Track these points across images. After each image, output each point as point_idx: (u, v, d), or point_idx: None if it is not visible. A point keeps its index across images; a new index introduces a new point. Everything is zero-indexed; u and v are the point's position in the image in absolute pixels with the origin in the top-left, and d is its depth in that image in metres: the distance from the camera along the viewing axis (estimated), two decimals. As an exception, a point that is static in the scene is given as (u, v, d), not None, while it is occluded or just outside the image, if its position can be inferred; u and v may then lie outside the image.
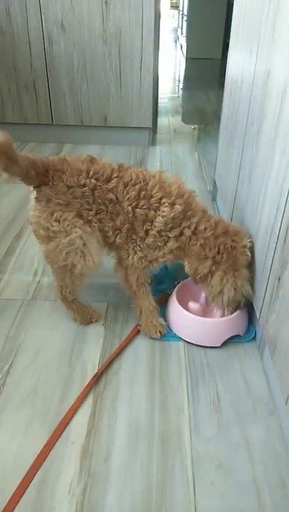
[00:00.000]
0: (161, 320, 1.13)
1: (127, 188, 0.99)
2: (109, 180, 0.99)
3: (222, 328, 1.08)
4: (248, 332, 1.13)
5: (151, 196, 1.00)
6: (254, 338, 1.12)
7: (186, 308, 1.12)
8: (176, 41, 7.04)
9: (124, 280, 1.11)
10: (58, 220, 0.98)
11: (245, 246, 1.04)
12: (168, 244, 1.03)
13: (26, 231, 1.57)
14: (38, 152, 2.18)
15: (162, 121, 2.99)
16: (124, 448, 0.86)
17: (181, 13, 6.72)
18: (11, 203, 1.78)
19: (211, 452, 0.85)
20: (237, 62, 1.39)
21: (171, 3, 11.40)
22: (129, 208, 1.00)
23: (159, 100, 3.33)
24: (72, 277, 1.06)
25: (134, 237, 1.03)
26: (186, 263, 1.06)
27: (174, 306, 1.13)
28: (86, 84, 2.27)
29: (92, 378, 0.99)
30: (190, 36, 5.52)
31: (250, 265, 1.07)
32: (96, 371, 1.01)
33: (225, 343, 1.09)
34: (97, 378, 1.00)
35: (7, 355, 1.06)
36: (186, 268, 1.06)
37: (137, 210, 1.00)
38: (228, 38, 1.54)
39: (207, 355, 1.08)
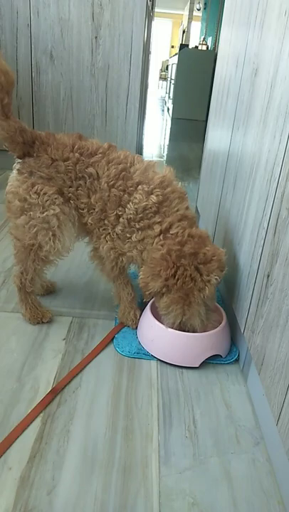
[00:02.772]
0: (138, 313, 1.05)
1: (109, 164, 0.91)
2: (93, 155, 0.92)
3: (201, 345, 0.94)
4: (230, 353, 0.98)
5: (130, 178, 0.91)
6: (236, 360, 0.98)
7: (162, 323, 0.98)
8: (163, 109, 7.35)
9: (101, 270, 1.03)
10: (37, 193, 0.91)
11: (208, 281, 0.87)
12: (133, 236, 0.92)
13: (-9, 245, 1.44)
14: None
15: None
16: (74, 479, 0.68)
17: (169, 79, 7.15)
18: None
19: (183, 487, 0.68)
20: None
21: (160, 75, 12.24)
22: (106, 185, 0.91)
23: (145, 153, 3.37)
24: (35, 260, 0.97)
25: (105, 221, 0.93)
26: (140, 272, 0.91)
27: (147, 318, 0.99)
28: (71, 115, 2.26)
29: (48, 394, 0.83)
30: (176, 98, 5.81)
31: (210, 299, 0.92)
32: (51, 388, 0.85)
33: (204, 365, 0.95)
34: (54, 396, 0.83)
35: None
36: (139, 278, 0.90)
37: (113, 189, 0.91)
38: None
39: (183, 376, 0.92)
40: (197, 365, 0.94)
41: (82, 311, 1.12)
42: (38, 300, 1.07)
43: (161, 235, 0.90)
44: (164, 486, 0.68)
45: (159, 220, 0.90)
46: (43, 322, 1.05)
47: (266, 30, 0.88)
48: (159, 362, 0.95)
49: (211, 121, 1.58)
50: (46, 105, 2.24)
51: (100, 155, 0.92)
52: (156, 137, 4.40)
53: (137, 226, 0.91)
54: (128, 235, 0.92)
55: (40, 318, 1.04)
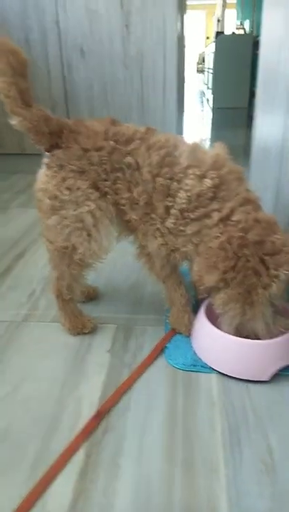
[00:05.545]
0: (193, 317, 0.91)
1: (150, 151, 0.78)
2: (130, 142, 0.79)
3: (271, 355, 0.78)
4: (306, 362, 0.82)
5: (177, 163, 0.77)
6: (314, 370, 0.81)
7: (219, 328, 0.83)
8: (202, 101, 7.09)
9: (149, 269, 0.89)
10: (69, 188, 0.80)
11: (276, 277, 0.72)
12: (187, 228, 0.77)
13: (29, 252, 1.36)
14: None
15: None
16: (126, 529, 0.55)
17: (206, 69, 6.92)
18: (18, 226, 1.58)
19: None
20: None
21: (197, 68, 11.99)
22: (149, 175, 0.78)
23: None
24: (70, 264, 0.86)
25: (152, 215, 0.80)
26: (195, 264, 0.78)
27: (203, 325, 0.84)
28: (107, 110, 2.16)
29: (92, 420, 0.71)
30: (215, 88, 5.59)
31: (278, 299, 0.76)
32: (96, 411, 0.73)
33: (275, 378, 0.79)
34: (99, 421, 0.71)
35: (-22, 388, 0.79)
36: (193, 270, 0.78)
37: (158, 178, 0.77)
38: (254, 87, 1.44)
39: (250, 392, 0.77)
40: (267, 379, 0.78)
41: (128, 317, 1.00)
42: (79, 308, 0.96)
43: (221, 224, 0.75)
44: (239, 539, 0.54)
45: (217, 206, 0.75)
46: (84, 333, 0.94)
47: None
48: (219, 375, 0.81)
49: (259, 107, 1.41)
50: (80, 103, 2.15)
51: (137, 141, 0.79)
52: (196, 128, 4.23)
53: (192, 216, 0.76)
54: (182, 228, 0.78)
55: (80, 328, 0.93)
